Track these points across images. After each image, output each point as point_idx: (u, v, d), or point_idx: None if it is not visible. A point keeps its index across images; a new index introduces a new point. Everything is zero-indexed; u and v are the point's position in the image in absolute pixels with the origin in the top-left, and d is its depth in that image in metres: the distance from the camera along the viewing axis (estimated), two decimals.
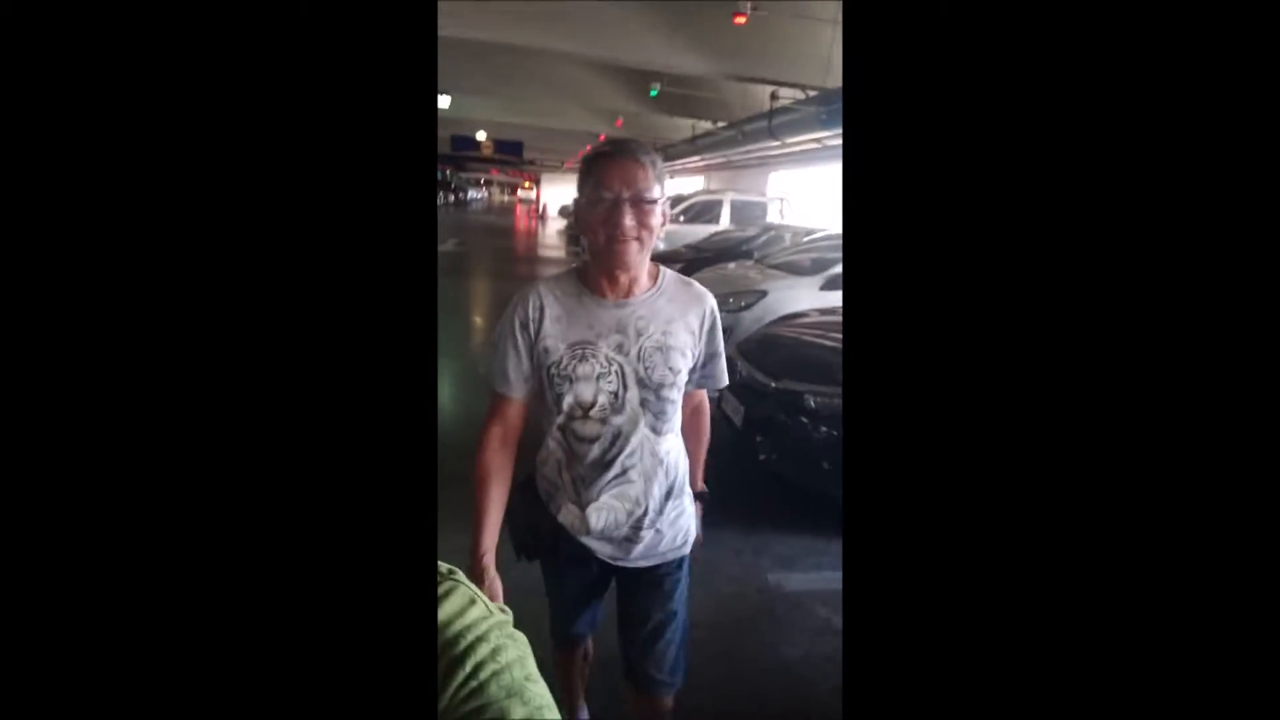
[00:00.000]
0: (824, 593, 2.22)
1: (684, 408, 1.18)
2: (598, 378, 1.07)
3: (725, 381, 1.19)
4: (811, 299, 4.48)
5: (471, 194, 37.28)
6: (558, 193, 27.42)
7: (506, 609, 0.48)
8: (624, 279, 1.07)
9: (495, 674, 0.41)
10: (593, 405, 1.07)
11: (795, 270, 5.10)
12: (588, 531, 1.13)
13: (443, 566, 0.48)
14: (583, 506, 1.12)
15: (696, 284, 1.14)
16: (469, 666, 0.41)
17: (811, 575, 2.36)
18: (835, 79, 5.81)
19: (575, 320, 1.07)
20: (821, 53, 5.58)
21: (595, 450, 1.09)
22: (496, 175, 38.41)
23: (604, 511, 1.12)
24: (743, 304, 4.61)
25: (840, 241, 5.53)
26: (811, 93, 6.27)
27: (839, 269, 4.80)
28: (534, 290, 1.11)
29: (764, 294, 4.64)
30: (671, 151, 12.21)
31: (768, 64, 6.11)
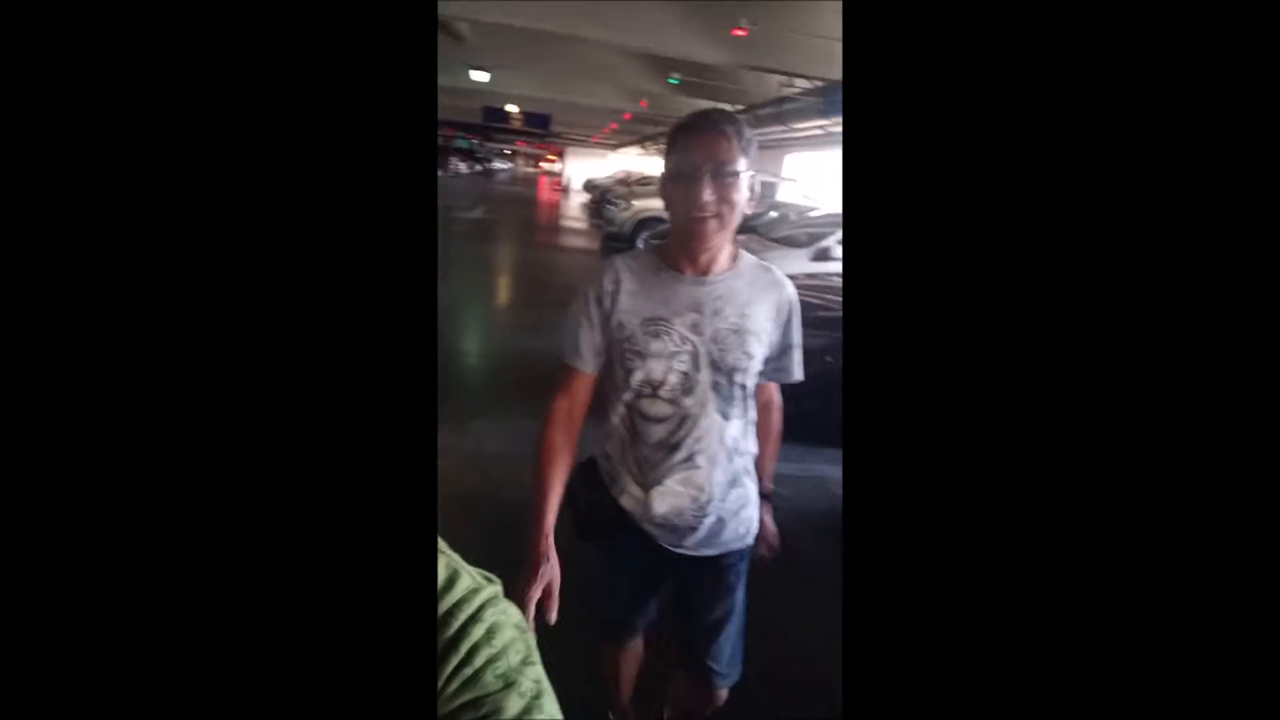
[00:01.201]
0: None
1: (755, 402, 1.15)
2: (670, 356, 1.04)
3: (799, 375, 1.15)
4: (800, 267, 5.16)
5: (498, 164, 37.86)
6: (582, 167, 27.94)
7: (494, 578, 0.44)
8: (703, 257, 1.04)
9: (491, 660, 0.39)
10: (662, 384, 1.05)
11: (791, 243, 5.78)
12: (650, 516, 1.09)
13: None
14: (646, 489, 1.09)
15: (776, 270, 1.12)
16: (463, 651, 0.38)
17: None
18: (838, 71, 6.43)
19: (651, 295, 1.05)
20: (826, 48, 6.19)
21: (662, 431, 1.07)
22: (522, 147, 38.98)
23: (668, 496, 1.08)
24: None
25: (834, 219, 6.19)
26: (818, 83, 6.89)
27: (827, 243, 5.47)
28: (611, 265, 1.09)
29: None
30: None
31: (777, 56, 6.72)
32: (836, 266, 5.07)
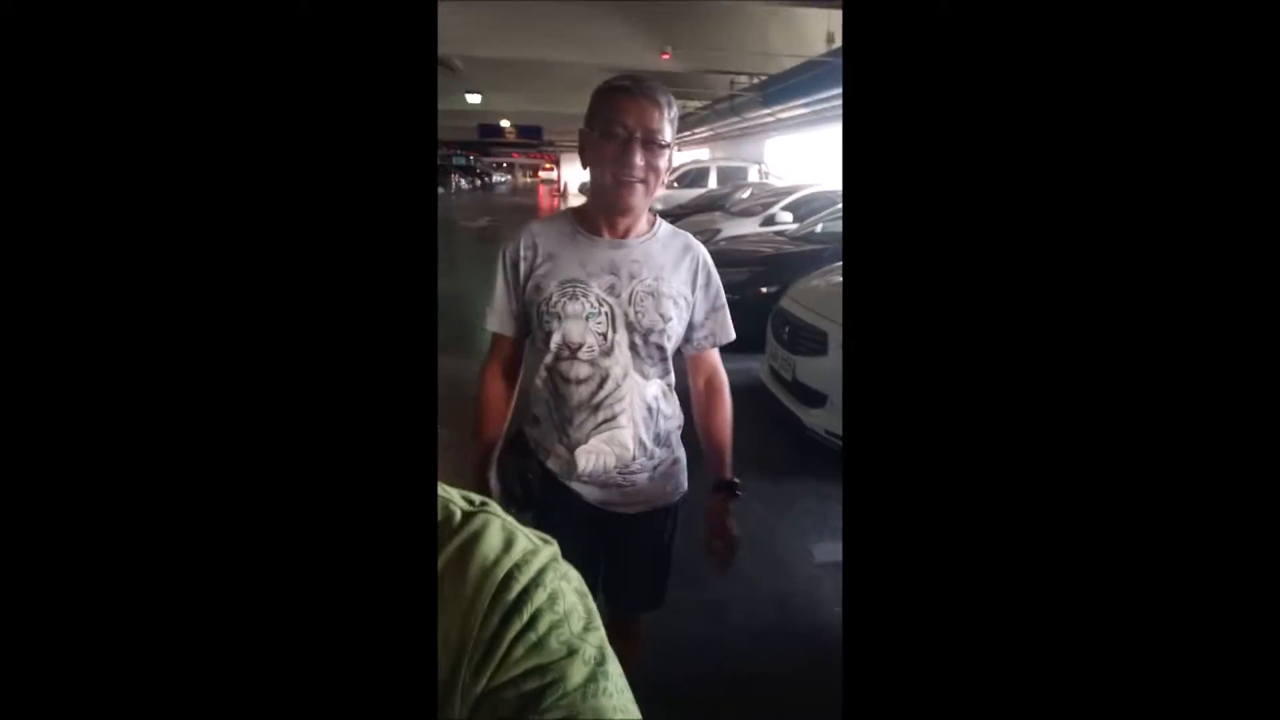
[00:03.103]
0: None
1: (695, 377, 1.19)
2: (587, 317, 1.06)
3: (731, 335, 1.17)
4: (750, 229, 6.38)
5: (496, 178, 39.33)
6: (577, 172, 29.19)
7: (549, 539, 0.43)
8: (623, 221, 1.06)
9: (554, 626, 0.38)
10: (580, 346, 1.07)
11: (748, 214, 6.99)
12: (575, 474, 1.12)
13: (473, 497, 0.45)
14: (570, 449, 1.11)
15: (689, 235, 1.15)
16: (526, 615, 0.38)
17: None
18: (774, 66, 7.67)
19: (567, 258, 1.07)
20: (762, 47, 7.42)
21: (583, 392, 1.09)
22: (518, 159, 40.47)
23: (592, 455, 1.11)
24: (701, 238, 6.54)
25: (784, 192, 7.39)
26: (760, 78, 8.09)
27: (773, 211, 6.67)
28: (526, 229, 1.11)
29: (718, 230, 6.52)
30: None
31: (725, 59, 7.95)
32: (778, 227, 6.27)
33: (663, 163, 1.03)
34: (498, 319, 1.14)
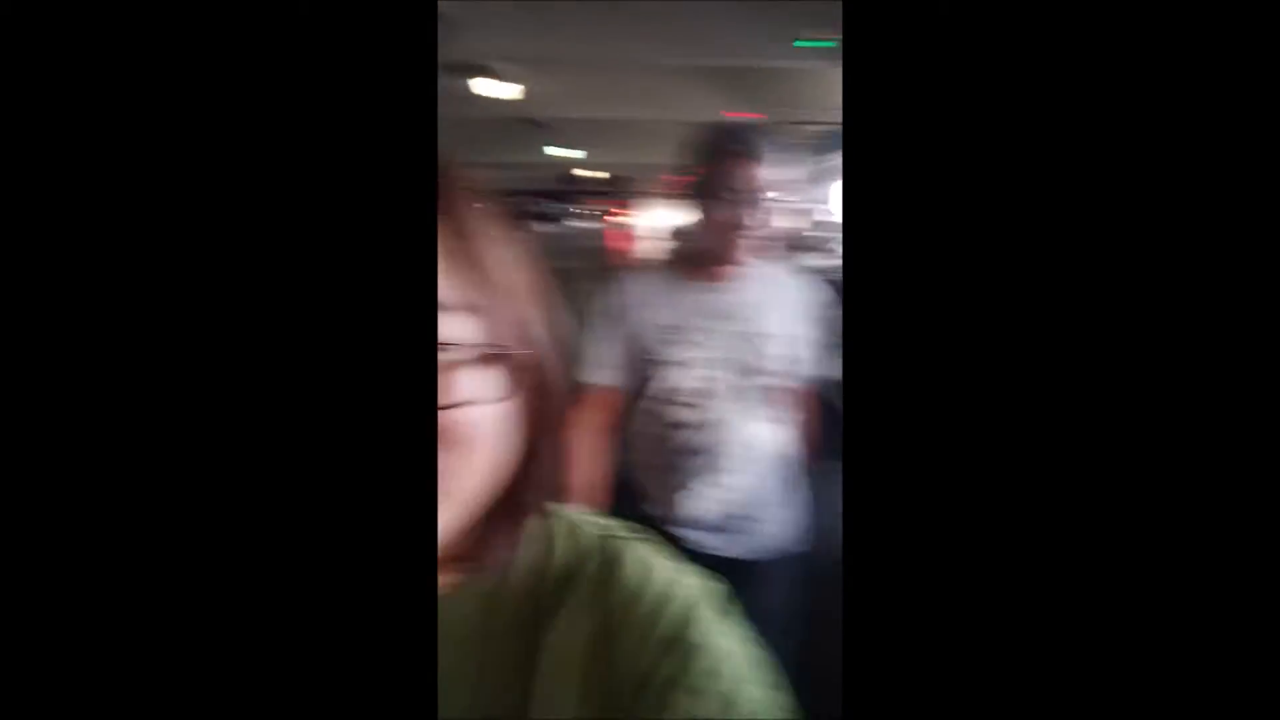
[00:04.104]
0: None
1: (794, 410, 1.17)
2: (687, 363, 1.08)
3: (831, 372, 1.16)
4: (804, 262, 7.05)
5: (576, 224, 41.32)
6: (649, 217, 30.47)
7: (688, 567, 0.40)
8: (723, 269, 1.09)
9: (710, 673, 0.35)
10: (682, 391, 1.08)
11: (802, 247, 7.68)
12: (676, 520, 1.11)
13: (598, 519, 0.42)
14: (671, 494, 1.11)
15: (788, 270, 1.17)
16: (681, 655, 0.35)
17: None
18: (827, 116, 8.49)
19: (664, 305, 1.08)
20: (816, 101, 8.20)
21: (685, 437, 1.10)
22: (592, 205, 42.49)
23: (693, 499, 1.11)
24: None
25: (837, 226, 8.04)
26: (814, 126, 8.87)
27: (830, 245, 7.31)
28: (619, 278, 1.13)
29: None
30: None
31: (782, 112, 8.80)
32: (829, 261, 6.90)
33: (772, 218, 1.08)
34: (596, 370, 1.12)
